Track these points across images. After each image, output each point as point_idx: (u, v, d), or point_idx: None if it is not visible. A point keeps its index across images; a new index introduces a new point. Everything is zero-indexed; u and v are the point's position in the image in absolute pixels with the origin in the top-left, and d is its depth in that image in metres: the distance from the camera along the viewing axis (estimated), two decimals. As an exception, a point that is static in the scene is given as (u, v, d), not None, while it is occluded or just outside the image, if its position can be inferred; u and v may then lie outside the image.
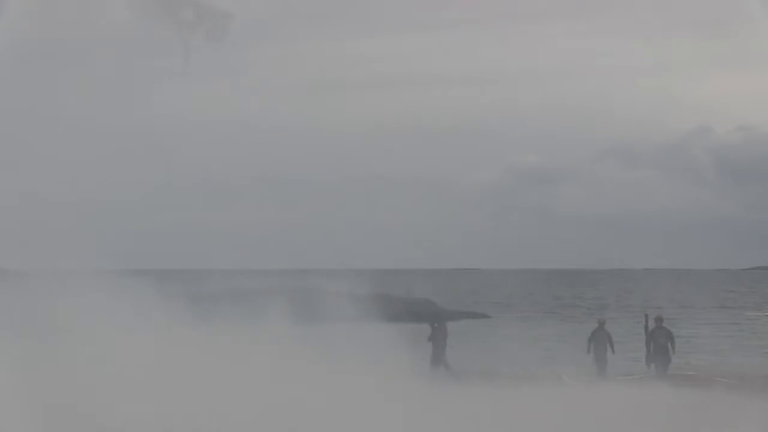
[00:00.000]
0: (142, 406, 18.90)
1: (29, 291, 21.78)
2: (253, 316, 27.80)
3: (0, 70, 23.51)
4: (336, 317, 32.97)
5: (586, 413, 22.21)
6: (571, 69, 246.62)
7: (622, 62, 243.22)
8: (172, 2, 23.26)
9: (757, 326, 78.64)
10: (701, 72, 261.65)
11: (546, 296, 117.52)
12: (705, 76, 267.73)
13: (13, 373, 18.64)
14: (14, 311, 21.03)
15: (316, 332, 27.41)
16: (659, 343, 29.40)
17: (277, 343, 23.61)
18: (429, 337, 30.00)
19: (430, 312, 52.81)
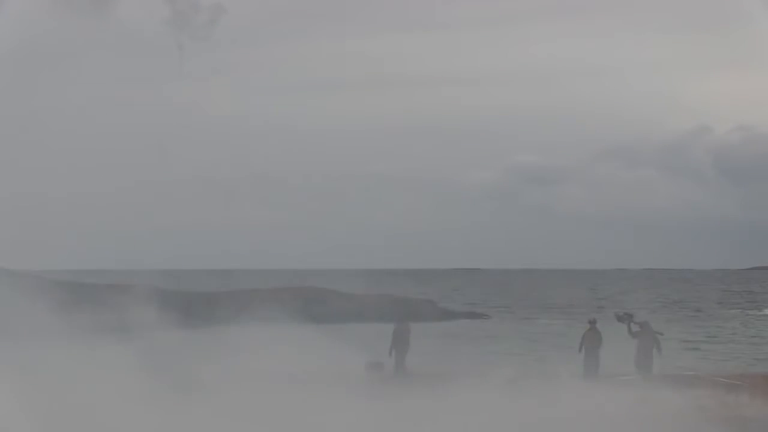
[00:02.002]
0: None
1: None
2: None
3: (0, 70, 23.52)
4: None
5: (569, 416, 22.03)
6: (571, 69, 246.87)
7: (622, 62, 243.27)
8: None
9: (757, 326, 78.68)
10: (701, 72, 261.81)
11: (546, 296, 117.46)
12: (705, 76, 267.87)
13: None
14: None
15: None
16: (644, 345, 29.10)
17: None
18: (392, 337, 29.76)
19: (393, 312, 52.93)
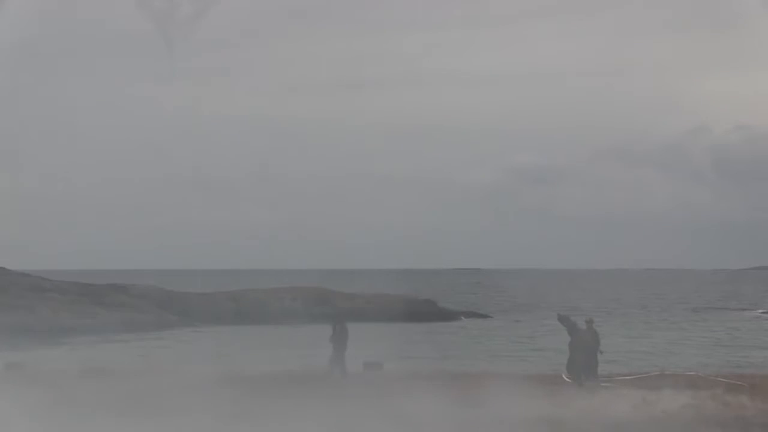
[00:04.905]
0: None
1: None
2: None
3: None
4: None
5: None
6: (571, 69, 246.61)
7: (622, 62, 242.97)
8: None
9: (757, 325, 78.72)
10: (701, 72, 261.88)
11: (546, 296, 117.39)
12: (704, 76, 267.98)
13: None
14: None
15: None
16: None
17: None
18: (330, 337, 29.84)
19: (333, 314, 53.24)
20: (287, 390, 25.19)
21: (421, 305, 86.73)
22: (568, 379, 28.06)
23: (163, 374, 27.44)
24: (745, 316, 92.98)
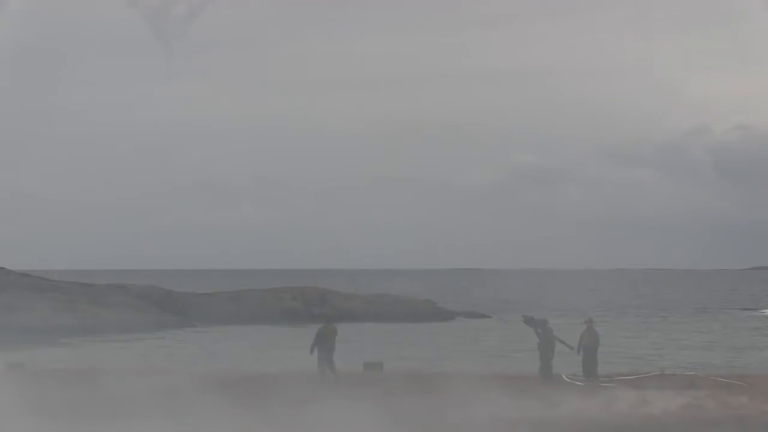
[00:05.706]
0: None
1: None
2: None
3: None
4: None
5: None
6: (571, 69, 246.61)
7: (622, 62, 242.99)
8: None
9: (756, 325, 78.71)
10: (700, 72, 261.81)
11: (546, 296, 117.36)
12: (705, 76, 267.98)
13: None
14: None
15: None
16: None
17: None
18: (316, 337, 29.79)
19: (322, 313, 53.26)
20: (283, 390, 25.20)
21: (421, 305, 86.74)
22: (567, 380, 28.07)
23: (162, 375, 27.44)
24: (746, 316, 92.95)
